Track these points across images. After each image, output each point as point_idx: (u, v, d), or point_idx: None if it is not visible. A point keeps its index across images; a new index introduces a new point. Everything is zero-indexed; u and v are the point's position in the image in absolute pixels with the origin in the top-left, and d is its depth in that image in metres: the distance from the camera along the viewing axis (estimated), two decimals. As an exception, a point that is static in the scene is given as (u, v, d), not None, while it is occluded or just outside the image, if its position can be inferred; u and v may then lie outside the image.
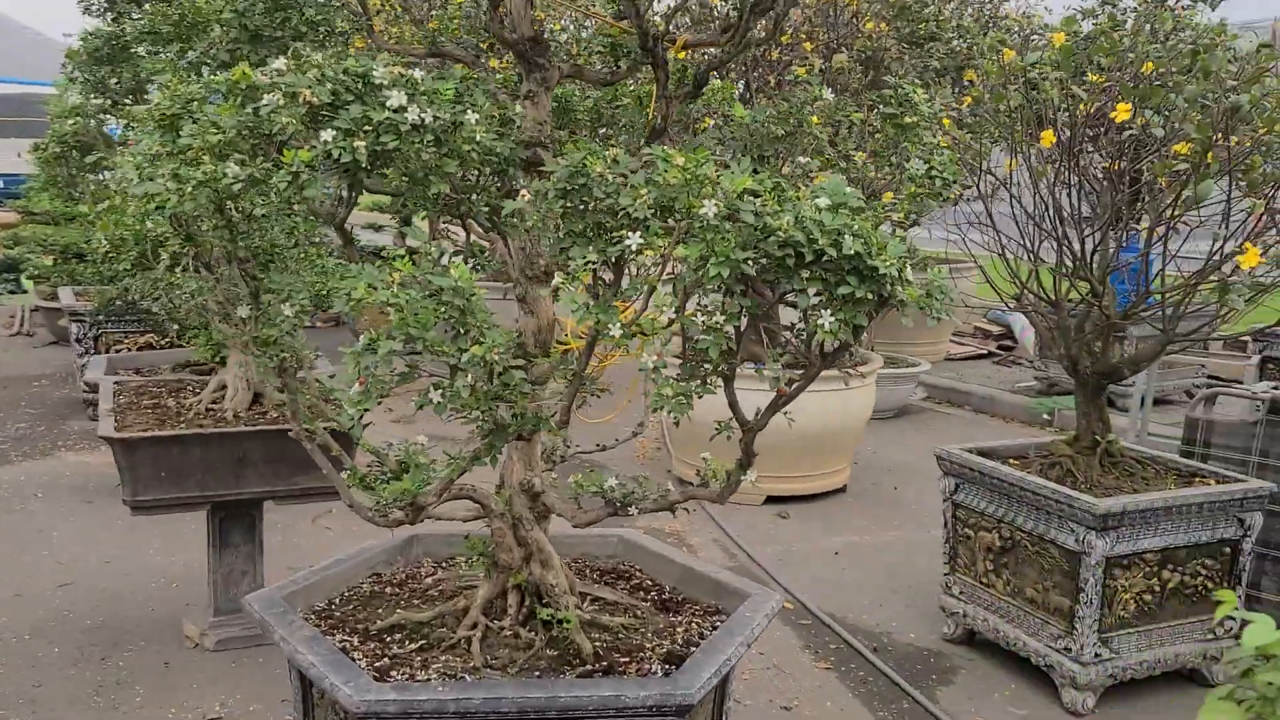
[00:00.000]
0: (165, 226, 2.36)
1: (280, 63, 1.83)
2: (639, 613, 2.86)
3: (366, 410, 1.72)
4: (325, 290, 3.64)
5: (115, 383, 4.27)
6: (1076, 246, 3.74)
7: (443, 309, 1.67)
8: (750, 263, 1.65)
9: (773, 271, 1.69)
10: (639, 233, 1.67)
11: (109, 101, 6.69)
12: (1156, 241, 3.60)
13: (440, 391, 1.74)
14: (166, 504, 3.59)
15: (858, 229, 1.68)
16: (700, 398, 1.84)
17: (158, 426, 3.66)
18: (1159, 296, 3.67)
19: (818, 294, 1.69)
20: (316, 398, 2.73)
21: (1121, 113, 3.11)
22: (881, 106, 2.19)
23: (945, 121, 3.76)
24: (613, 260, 1.79)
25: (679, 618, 2.87)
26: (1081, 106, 3.54)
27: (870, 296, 1.66)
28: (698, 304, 1.75)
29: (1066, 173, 3.53)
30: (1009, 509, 3.81)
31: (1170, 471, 3.90)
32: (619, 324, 1.71)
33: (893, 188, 2.53)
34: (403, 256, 1.77)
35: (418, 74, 1.84)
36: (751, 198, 1.74)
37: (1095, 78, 3.64)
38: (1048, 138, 3.63)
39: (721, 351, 1.73)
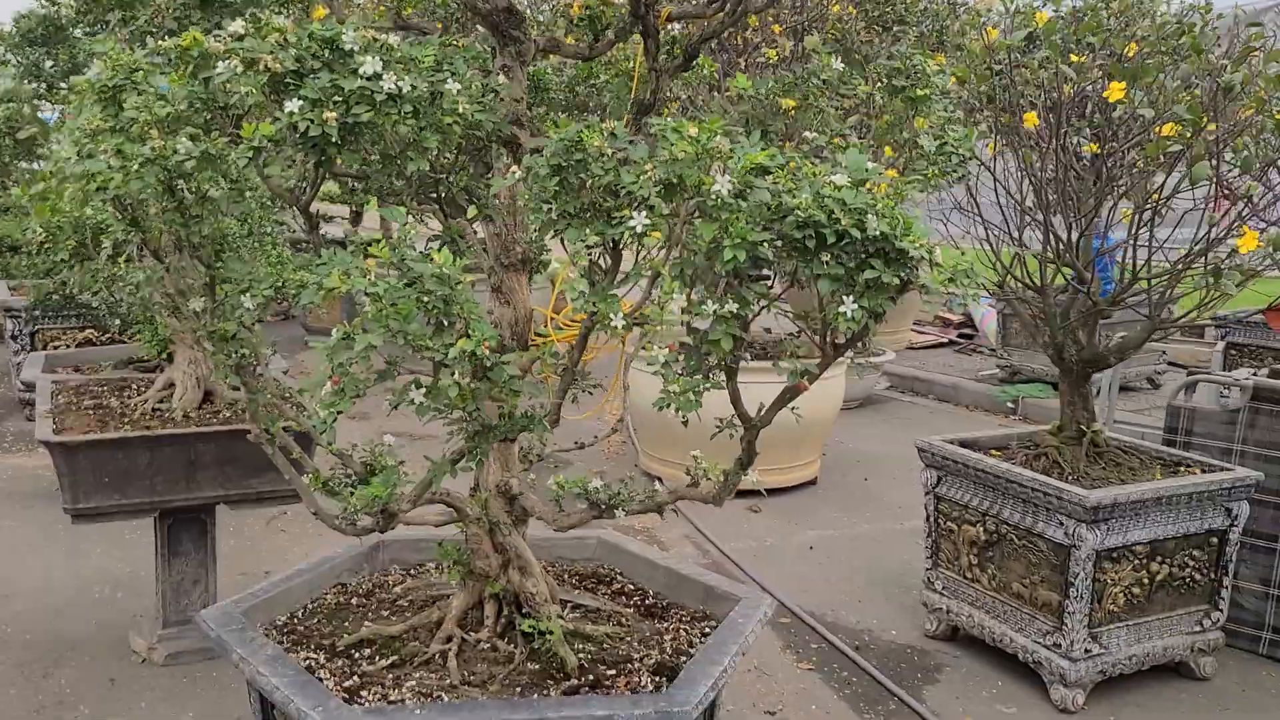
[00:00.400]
0: (106, 213, 2.15)
1: (237, 25, 1.64)
2: (623, 620, 2.71)
3: (341, 412, 1.54)
4: (281, 282, 3.45)
5: (54, 382, 4.02)
6: (1061, 231, 3.65)
7: (425, 299, 1.50)
8: (767, 245, 1.50)
9: (789, 255, 1.54)
10: (644, 213, 1.51)
11: (44, 85, 6.38)
12: (1143, 226, 3.51)
13: (423, 391, 1.57)
14: (110, 511, 3.36)
15: (881, 208, 1.54)
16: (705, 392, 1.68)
17: (100, 429, 3.42)
18: (1146, 283, 3.58)
19: (837, 279, 1.54)
20: (274, 396, 2.53)
21: (1115, 92, 3.00)
22: (886, 79, 2.05)
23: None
24: (611, 244, 1.63)
25: (665, 624, 2.72)
26: (1067, 87, 3.43)
27: (896, 281, 1.52)
28: (705, 291, 1.59)
29: (1056, 154, 3.42)
30: (994, 502, 3.70)
31: (1155, 461, 3.82)
32: (621, 313, 1.55)
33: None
34: (378, 242, 1.59)
35: (393, 39, 1.66)
36: (762, 174, 1.58)
37: (1078, 58, 3.54)
38: (1030, 119, 3.53)
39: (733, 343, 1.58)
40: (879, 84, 2.10)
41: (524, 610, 2.56)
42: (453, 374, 1.52)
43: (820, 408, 5.64)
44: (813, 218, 1.49)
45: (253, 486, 3.53)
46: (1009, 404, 7.89)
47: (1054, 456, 3.71)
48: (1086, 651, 3.45)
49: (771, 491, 5.66)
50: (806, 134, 1.98)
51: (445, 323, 1.53)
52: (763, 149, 1.57)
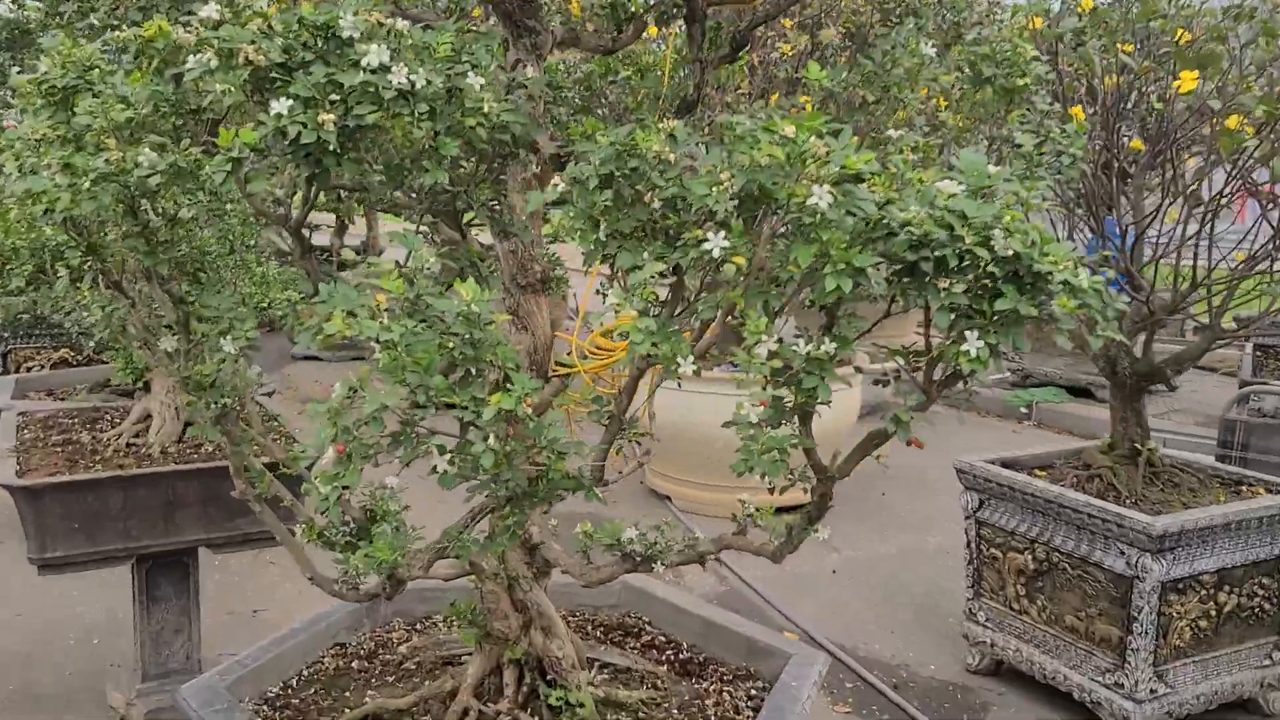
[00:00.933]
0: (64, 234, 1.84)
1: (210, 9, 1.34)
2: (659, 681, 2.41)
3: (346, 488, 1.25)
4: (266, 304, 3.14)
5: (20, 414, 3.69)
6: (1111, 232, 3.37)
7: (449, 344, 1.20)
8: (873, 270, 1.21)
9: (896, 280, 1.25)
10: (722, 233, 1.21)
11: (11, 92, 6.04)
12: (1205, 226, 3.24)
13: (448, 458, 1.27)
14: (81, 560, 3.04)
15: (1009, 222, 1.25)
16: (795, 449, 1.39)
17: (68, 469, 3.10)
18: (1205, 290, 3.31)
19: (956, 309, 1.25)
20: (259, 434, 2.22)
21: (1187, 82, 2.72)
22: (969, 68, 1.77)
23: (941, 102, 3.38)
24: (672, 269, 1.33)
25: (704, 684, 2.43)
26: (1120, 78, 3.15)
27: (1035, 312, 1.23)
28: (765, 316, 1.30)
29: (1112, 150, 3.14)
30: (1044, 528, 3.42)
31: (1213, 479, 3.55)
32: (690, 355, 1.25)
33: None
34: (368, 262, 1.29)
35: (402, 23, 1.36)
36: (856, 182, 1.29)
37: (1128, 47, 3.27)
38: (1078, 113, 3.26)
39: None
40: (958, 73, 1.82)
41: (549, 677, 2.26)
42: (486, 437, 1.22)
43: (838, 419, 5.36)
44: (929, 235, 1.20)
45: (239, 527, 3.21)
46: (1022, 409, 7.63)
47: (1108, 478, 3.43)
48: (1152, 692, 3.17)
49: (788, 510, 5.36)
50: (890, 133, 1.69)
51: (473, 372, 1.24)
52: (858, 150, 1.28)
